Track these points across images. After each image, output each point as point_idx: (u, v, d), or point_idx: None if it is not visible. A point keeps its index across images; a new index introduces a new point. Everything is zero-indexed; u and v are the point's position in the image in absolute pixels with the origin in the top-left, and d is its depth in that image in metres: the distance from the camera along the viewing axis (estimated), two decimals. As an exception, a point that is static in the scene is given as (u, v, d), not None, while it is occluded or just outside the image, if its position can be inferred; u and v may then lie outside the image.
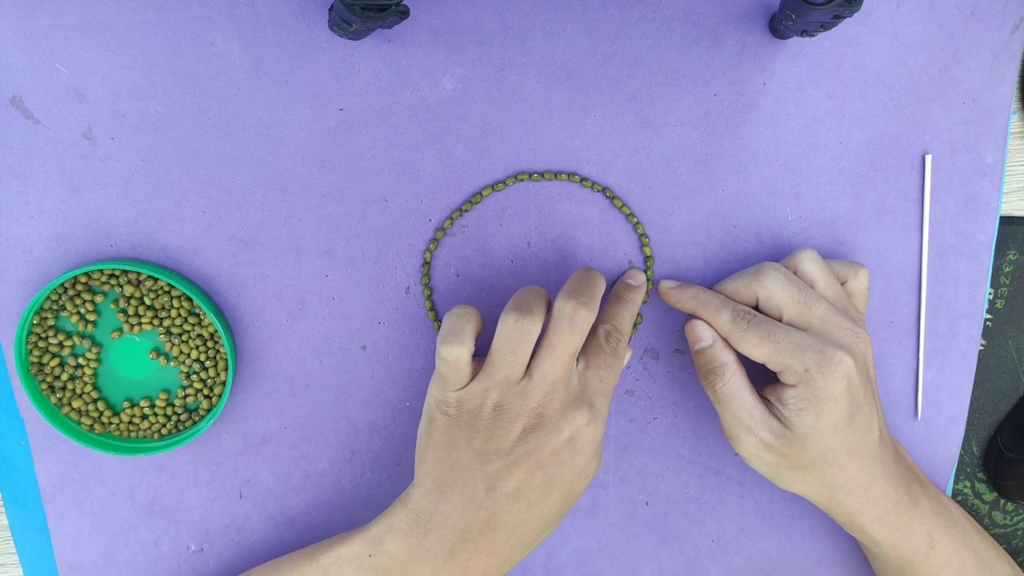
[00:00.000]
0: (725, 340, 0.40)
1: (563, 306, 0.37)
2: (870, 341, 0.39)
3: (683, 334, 0.45)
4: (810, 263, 0.40)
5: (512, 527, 0.37)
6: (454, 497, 0.37)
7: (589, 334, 0.39)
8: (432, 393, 0.38)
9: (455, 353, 0.36)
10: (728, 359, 0.39)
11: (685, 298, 0.41)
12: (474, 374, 0.37)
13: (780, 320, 0.39)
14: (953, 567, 0.42)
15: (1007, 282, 0.47)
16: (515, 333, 0.36)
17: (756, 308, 0.41)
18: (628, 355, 0.41)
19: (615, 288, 0.42)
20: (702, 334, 0.40)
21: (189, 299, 0.43)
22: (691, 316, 0.42)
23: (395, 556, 0.38)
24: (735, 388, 0.39)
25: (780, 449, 0.39)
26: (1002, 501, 0.50)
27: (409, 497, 0.38)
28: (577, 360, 0.38)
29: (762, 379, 0.41)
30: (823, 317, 0.38)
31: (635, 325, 0.44)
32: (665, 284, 0.43)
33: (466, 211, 0.43)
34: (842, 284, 0.41)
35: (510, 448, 0.37)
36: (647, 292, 0.44)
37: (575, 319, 0.37)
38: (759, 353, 0.38)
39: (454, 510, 0.37)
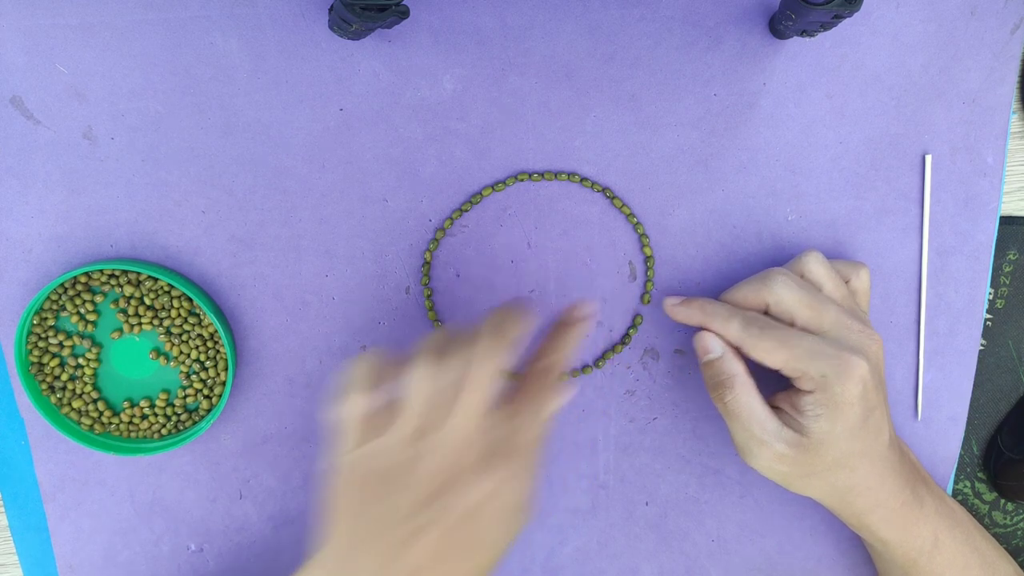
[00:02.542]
0: (734, 351, 0.39)
1: (479, 350, 0.33)
2: (882, 342, 0.39)
3: (683, 334, 0.45)
4: (816, 265, 0.40)
5: None
6: (367, 560, 0.33)
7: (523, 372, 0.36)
8: (337, 450, 0.35)
9: (347, 410, 0.33)
10: (737, 370, 0.39)
11: (692, 312, 0.40)
12: (382, 426, 0.34)
13: (792, 326, 0.39)
14: (957, 566, 0.42)
15: (1007, 282, 0.47)
16: (424, 382, 0.33)
17: (766, 315, 0.40)
18: (570, 392, 0.37)
19: (561, 317, 0.38)
20: (710, 346, 0.39)
21: (189, 299, 0.43)
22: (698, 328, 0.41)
23: None
24: (744, 400, 0.38)
25: (795, 458, 0.38)
26: (1002, 501, 0.50)
27: (323, 559, 0.35)
28: (503, 404, 0.35)
29: (767, 386, 0.41)
30: (835, 320, 0.38)
31: (635, 325, 0.44)
32: (669, 301, 0.42)
33: (466, 211, 0.43)
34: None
35: (424, 507, 0.33)
36: (646, 294, 0.44)
37: (489, 365, 0.33)
38: (774, 360, 0.37)
39: (367, 573, 0.33)
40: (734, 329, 0.39)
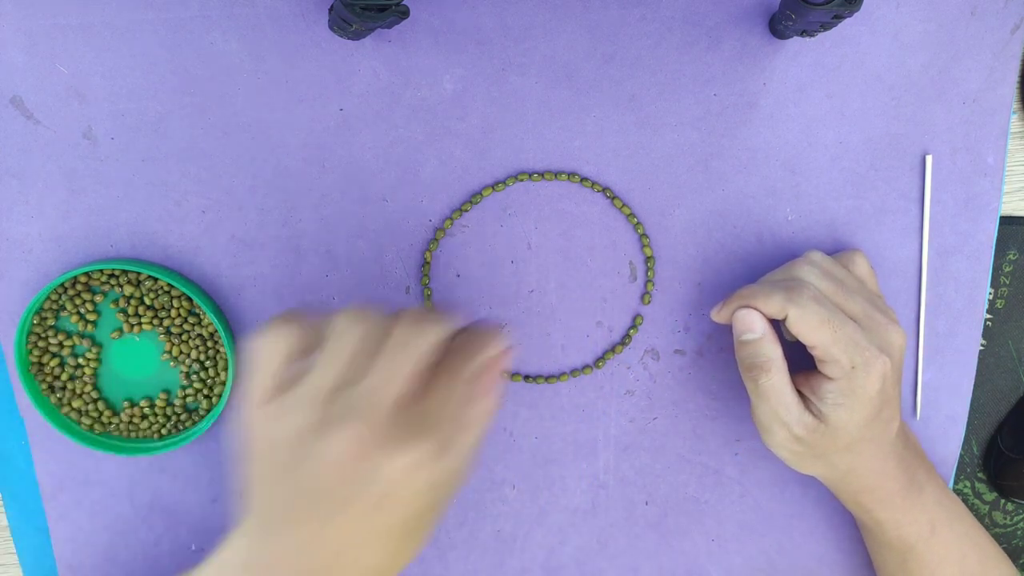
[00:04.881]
0: (772, 334, 0.39)
1: (409, 313, 0.31)
2: (905, 336, 0.39)
3: (683, 334, 0.45)
4: (822, 264, 0.40)
5: (361, 567, 0.31)
6: (281, 541, 0.31)
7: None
8: (244, 417, 0.31)
9: (274, 336, 0.30)
10: (775, 354, 0.38)
11: (733, 304, 0.39)
12: (296, 377, 0.31)
13: None
14: (953, 557, 0.42)
15: (1007, 282, 0.47)
16: (352, 323, 0.30)
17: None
18: (492, 399, 0.33)
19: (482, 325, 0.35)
20: (752, 324, 0.38)
21: (189, 299, 0.43)
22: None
23: None
24: (778, 384, 0.38)
25: (809, 441, 0.39)
26: (1002, 501, 0.50)
27: (235, 539, 0.32)
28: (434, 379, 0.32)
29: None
30: (864, 311, 0.38)
31: (635, 325, 0.44)
32: (713, 312, 0.41)
33: (466, 211, 0.43)
34: None
35: (334, 488, 0.29)
36: (646, 294, 0.44)
37: (422, 325, 0.31)
38: (815, 337, 0.37)
39: (282, 554, 0.31)
40: (777, 301, 0.37)
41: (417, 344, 0.30)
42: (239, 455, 0.32)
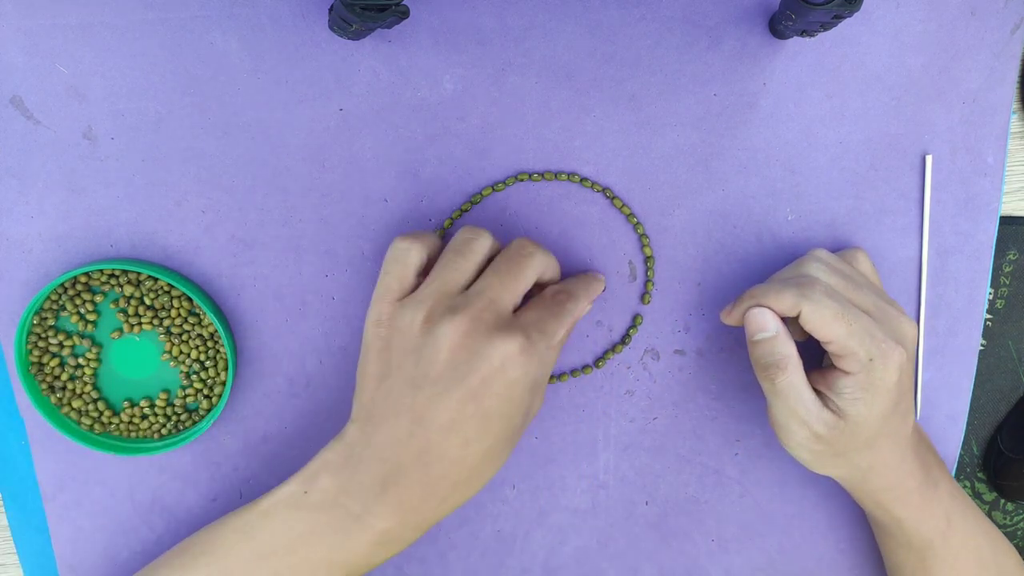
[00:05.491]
0: (786, 331, 0.38)
1: (516, 240, 0.38)
2: (916, 327, 0.39)
3: (683, 334, 0.45)
4: (828, 259, 0.40)
5: (449, 462, 0.35)
6: (385, 428, 0.35)
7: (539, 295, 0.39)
8: (369, 317, 0.37)
9: (406, 245, 0.37)
10: (791, 352, 0.38)
11: (743, 304, 0.39)
12: (415, 285, 0.37)
13: None
14: (969, 549, 0.42)
15: (1007, 282, 0.47)
16: (469, 235, 0.37)
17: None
18: (572, 319, 0.39)
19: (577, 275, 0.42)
20: (765, 323, 0.38)
21: (189, 299, 0.43)
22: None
23: (328, 491, 0.36)
24: (795, 382, 0.38)
25: (829, 439, 0.38)
26: (1002, 501, 0.50)
27: (345, 432, 0.37)
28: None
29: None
30: (875, 304, 0.38)
31: (635, 325, 0.44)
32: (723, 314, 0.41)
33: (466, 211, 0.43)
34: None
35: (439, 374, 0.35)
36: (646, 294, 0.44)
37: (524, 248, 0.37)
38: (829, 331, 0.36)
39: (385, 442, 0.35)
40: (789, 297, 0.37)
41: (521, 264, 0.37)
42: (361, 355, 0.37)
